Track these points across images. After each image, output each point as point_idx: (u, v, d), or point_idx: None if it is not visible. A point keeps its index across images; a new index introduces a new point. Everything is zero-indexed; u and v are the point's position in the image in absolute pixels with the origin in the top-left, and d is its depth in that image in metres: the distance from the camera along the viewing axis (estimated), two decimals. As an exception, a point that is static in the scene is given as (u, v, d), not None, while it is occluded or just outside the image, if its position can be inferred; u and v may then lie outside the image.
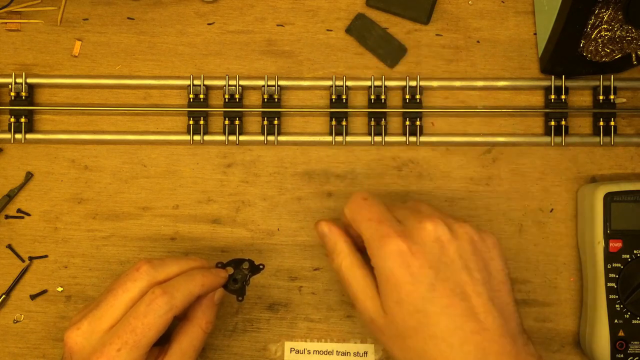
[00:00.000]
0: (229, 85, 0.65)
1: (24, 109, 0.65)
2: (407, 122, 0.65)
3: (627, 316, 0.61)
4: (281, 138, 0.65)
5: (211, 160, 0.66)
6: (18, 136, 0.65)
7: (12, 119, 0.64)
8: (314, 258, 0.65)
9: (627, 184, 0.62)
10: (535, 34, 0.66)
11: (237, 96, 0.65)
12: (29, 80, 0.65)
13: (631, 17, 0.56)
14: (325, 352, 0.64)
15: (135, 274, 0.53)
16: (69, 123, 0.66)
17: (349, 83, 0.65)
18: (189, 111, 0.65)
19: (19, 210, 0.65)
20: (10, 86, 0.65)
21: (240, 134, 0.65)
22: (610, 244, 0.61)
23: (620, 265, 0.61)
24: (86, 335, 0.52)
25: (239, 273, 0.58)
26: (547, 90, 0.66)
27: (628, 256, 0.61)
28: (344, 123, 0.65)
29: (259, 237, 0.65)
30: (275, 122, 0.65)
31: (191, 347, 0.54)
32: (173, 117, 0.66)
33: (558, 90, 0.65)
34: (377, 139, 0.65)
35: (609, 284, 0.61)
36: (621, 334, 0.61)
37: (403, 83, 0.65)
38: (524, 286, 0.65)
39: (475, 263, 0.51)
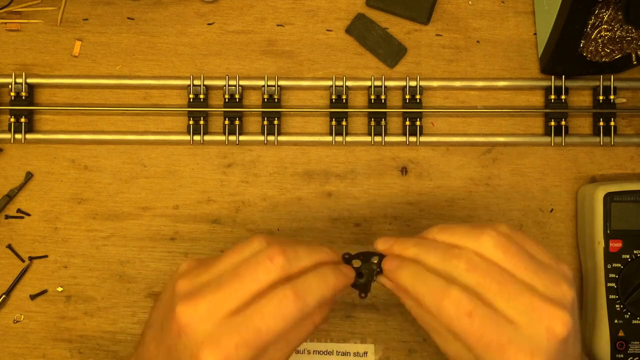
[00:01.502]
0: (229, 85, 0.65)
1: (24, 109, 0.65)
2: (407, 122, 0.65)
3: (627, 316, 0.61)
4: (281, 138, 0.65)
5: (211, 160, 0.66)
6: (18, 136, 0.65)
7: (12, 119, 0.64)
8: (314, 258, 0.65)
9: (627, 184, 0.62)
10: (535, 34, 0.66)
11: (237, 96, 0.65)
12: (29, 80, 0.65)
13: (631, 17, 0.56)
14: (325, 352, 0.64)
15: (268, 265, 0.47)
16: (69, 123, 0.66)
17: (349, 83, 0.65)
18: (189, 111, 0.65)
19: (19, 210, 0.65)
20: (10, 86, 0.65)
21: (240, 134, 0.65)
22: (610, 244, 0.61)
23: (620, 265, 0.61)
24: (203, 317, 0.46)
25: (366, 267, 0.52)
26: (547, 90, 0.66)
27: (628, 256, 0.61)
28: (344, 123, 0.65)
29: (259, 237, 0.65)
30: (275, 122, 0.65)
31: (298, 340, 0.49)
32: (173, 117, 0.66)
33: (558, 90, 0.65)
34: (377, 139, 0.65)
35: (609, 284, 0.61)
36: (621, 334, 0.61)
37: (403, 83, 0.65)
38: (524, 286, 0.65)
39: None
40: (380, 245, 0.52)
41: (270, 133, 0.65)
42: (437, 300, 0.47)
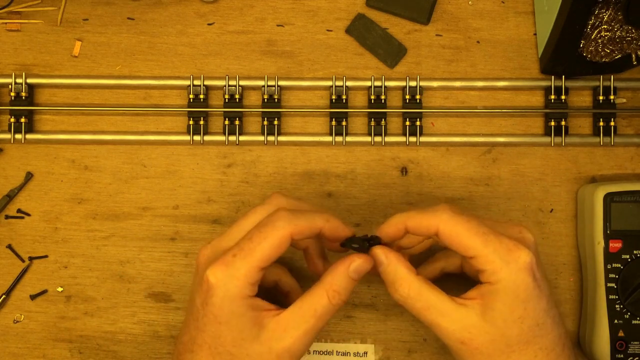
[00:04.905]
0: (229, 86, 0.65)
1: (24, 109, 0.65)
2: (407, 123, 0.65)
3: (627, 316, 0.61)
4: (281, 138, 0.65)
5: (211, 160, 0.66)
6: (18, 136, 0.65)
7: (12, 119, 0.64)
8: (314, 258, 0.65)
9: (627, 184, 0.62)
10: (535, 34, 0.66)
11: (237, 96, 0.65)
12: (29, 80, 0.65)
13: (631, 17, 0.56)
14: (325, 352, 0.64)
15: (267, 207, 0.53)
16: (69, 123, 0.66)
17: (349, 83, 0.65)
18: (189, 111, 0.65)
19: (19, 210, 0.65)
20: (10, 86, 0.65)
21: (240, 134, 0.65)
22: (610, 244, 0.61)
23: (620, 265, 0.61)
24: (213, 249, 0.53)
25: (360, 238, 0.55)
26: (547, 90, 0.66)
27: (628, 256, 0.61)
28: (344, 123, 0.65)
29: (259, 237, 0.65)
30: (275, 122, 0.65)
31: (311, 310, 0.51)
32: (173, 117, 0.66)
33: (558, 91, 0.65)
34: (377, 139, 0.65)
35: (609, 284, 0.61)
36: (621, 334, 0.61)
37: (403, 83, 0.65)
38: (524, 286, 0.65)
39: None
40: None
41: (270, 133, 0.65)
42: (432, 213, 0.51)
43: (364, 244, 0.54)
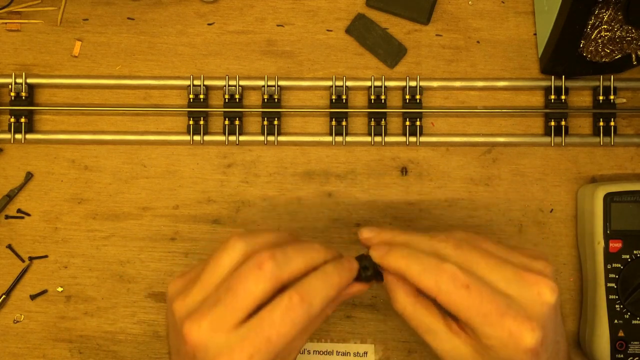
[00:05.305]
0: (229, 86, 0.65)
1: (24, 109, 0.65)
2: (407, 123, 0.65)
3: (627, 316, 0.61)
4: (281, 138, 0.65)
5: (211, 160, 0.66)
6: (18, 136, 0.65)
7: (12, 119, 0.64)
8: (314, 258, 0.65)
9: (627, 184, 0.62)
10: (535, 34, 0.66)
11: (237, 96, 0.65)
12: (29, 80, 0.65)
13: (631, 17, 0.56)
14: (325, 352, 0.64)
15: (258, 274, 0.46)
16: (69, 123, 0.66)
17: (349, 83, 0.65)
18: (189, 111, 0.65)
19: (19, 210, 0.65)
20: (10, 86, 0.65)
21: (240, 134, 0.65)
22: (610, 244, 0.61)
23: (620, 265, 0.61)
24: (209, 334, 0.46)
25: (365, 260, 0.51)
26: (547, 90, 0.66)
27: (628, 256, 0.61)
28: (344, 123, 0.65)
29: (259, 237, 0.65)
30: (275, 122, 0.65)
31: (310, 334, 0.51)
32: (173, 117, 0.66)
33: (558, 91, 0.65)
34: (377, 139, 0.65)
35: (609, 284, 0.61)
36: (621, 334, 0.61)
37: (403, 83, 0.65)
38: (524, 286, 0.65)
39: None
40: (366, 233, 0.53)
41: (270, 133, 0.65)
42: (433, 276, 0.47)
43: (370, 279, 0.52)
